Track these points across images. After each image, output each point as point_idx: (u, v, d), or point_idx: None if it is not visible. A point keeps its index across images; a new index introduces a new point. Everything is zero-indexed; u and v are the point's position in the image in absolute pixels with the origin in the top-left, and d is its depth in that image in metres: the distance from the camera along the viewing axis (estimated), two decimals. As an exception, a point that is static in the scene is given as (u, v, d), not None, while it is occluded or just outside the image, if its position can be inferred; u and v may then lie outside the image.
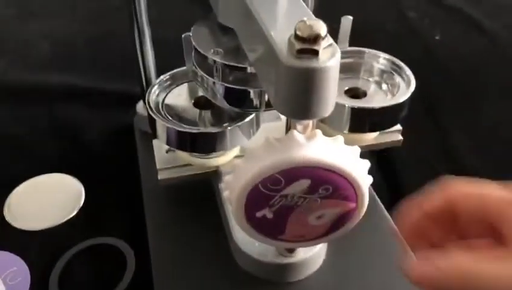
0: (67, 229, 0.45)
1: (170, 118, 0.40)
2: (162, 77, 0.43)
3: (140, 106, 0.54)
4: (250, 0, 0.31)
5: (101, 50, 0.70)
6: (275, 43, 0.26)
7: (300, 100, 0.26)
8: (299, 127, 0.29)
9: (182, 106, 0.42)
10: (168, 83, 0.43)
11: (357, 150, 0.30)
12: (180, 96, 0.43)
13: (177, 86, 0.43)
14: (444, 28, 0.77)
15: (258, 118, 0.41)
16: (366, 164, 0.31)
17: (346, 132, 0.44)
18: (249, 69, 0.35)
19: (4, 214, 0.46)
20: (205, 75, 0.37)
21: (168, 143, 0.40)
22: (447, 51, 0.73)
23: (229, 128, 0.38)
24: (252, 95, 0.37)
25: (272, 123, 0.45)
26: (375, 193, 0.47)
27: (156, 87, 0.42)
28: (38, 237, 0.44)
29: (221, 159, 0.43)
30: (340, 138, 0.30)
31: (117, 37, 0.71)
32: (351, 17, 0.41)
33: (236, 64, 0.35)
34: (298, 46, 0.25)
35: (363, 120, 0.42)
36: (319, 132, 0.29)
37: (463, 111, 0.61)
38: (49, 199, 0.47)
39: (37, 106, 0.60)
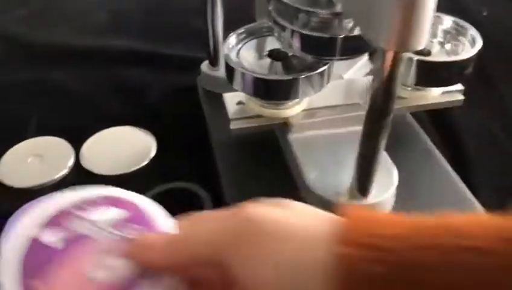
0: (141, 176, 0.47)
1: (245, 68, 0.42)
2: (237, 30, 0.45)
3: (205, 65, 0.55)
4: None
5: (156, 20, 0.73)
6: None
7: (399, 30, 0.28)
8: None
9: (255, 58, 0.44)
10: (243, 36, 0.45)
11: None
12: (253, 49, 0.45)
13: (250, 40, 0.45)
14: (491, 4, 0.77)
15: (329, 71, 0.42)
16: None
17: (411, 87, 0.46)
18: (328, 15, 0.37)
19: (79, 159, 0.48)
20: (284, 23, 0.39)
21: (244, 90, 0.41)
22: (494, 27, 0.73)
23: (302, 76, 0.40)
24: (328, 42, 0.38)
25: (337, 81, 0.47)
26: (437, 151, 0.48)
27: (232, 38, 0.44)
28: (113, 181, 0.46)
29: (290, 111, 0.45)
30: None
31: (171, 8, 0.74)
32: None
33: (316, 11, 0.37)
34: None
35: (428, 74, 0.43)
36: None
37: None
38: (121, 148, 0.49)
39: (101, 68, 0.62)
